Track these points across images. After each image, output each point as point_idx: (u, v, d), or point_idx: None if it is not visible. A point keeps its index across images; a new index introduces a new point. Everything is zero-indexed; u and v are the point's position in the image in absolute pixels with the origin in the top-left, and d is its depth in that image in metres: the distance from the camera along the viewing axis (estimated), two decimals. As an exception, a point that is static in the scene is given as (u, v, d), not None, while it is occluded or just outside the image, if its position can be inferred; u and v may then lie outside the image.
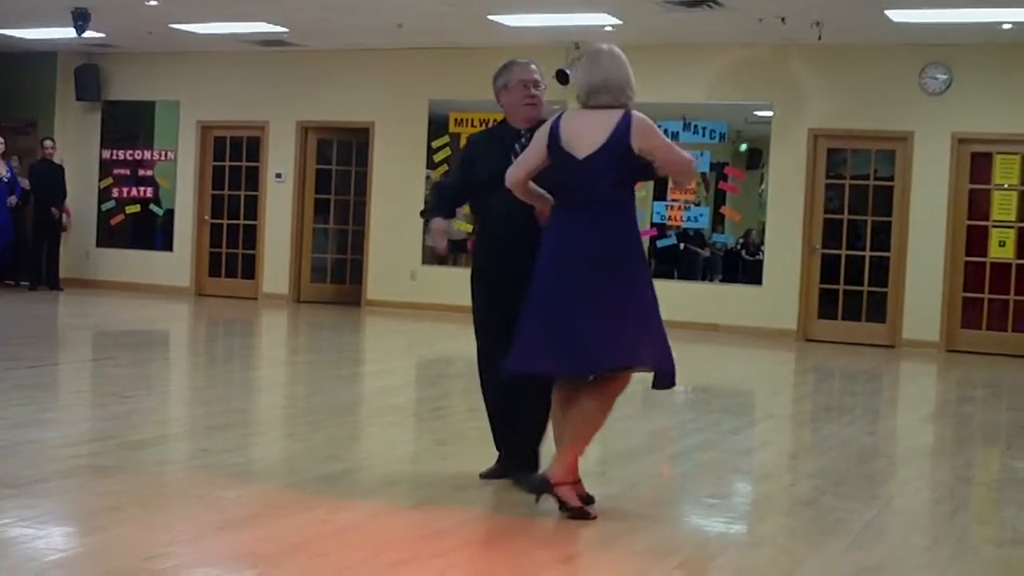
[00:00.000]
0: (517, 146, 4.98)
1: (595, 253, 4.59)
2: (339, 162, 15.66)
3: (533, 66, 5.14)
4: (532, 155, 4.72)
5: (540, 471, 4.85)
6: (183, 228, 16.04)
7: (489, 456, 5.24)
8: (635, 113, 4.64)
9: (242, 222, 15.87)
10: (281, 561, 3.93)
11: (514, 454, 5.15)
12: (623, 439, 6.45)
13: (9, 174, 15.13)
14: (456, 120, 14.40)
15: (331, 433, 6.50)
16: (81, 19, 12.87)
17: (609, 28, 12.51)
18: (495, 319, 4.99)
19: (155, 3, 12.53)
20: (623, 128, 4.60)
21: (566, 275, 4.57)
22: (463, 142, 14.31)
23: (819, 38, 12.03)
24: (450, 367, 10.38)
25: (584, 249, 4.59)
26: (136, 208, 16.33)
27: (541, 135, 4.73)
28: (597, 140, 4.60)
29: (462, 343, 12.09)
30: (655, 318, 4.67)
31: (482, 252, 5.19)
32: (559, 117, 4.72)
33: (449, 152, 14.47)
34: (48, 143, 15.55)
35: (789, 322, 13.11)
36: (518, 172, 4.73)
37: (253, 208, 15.77)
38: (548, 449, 4.92)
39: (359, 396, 8.29)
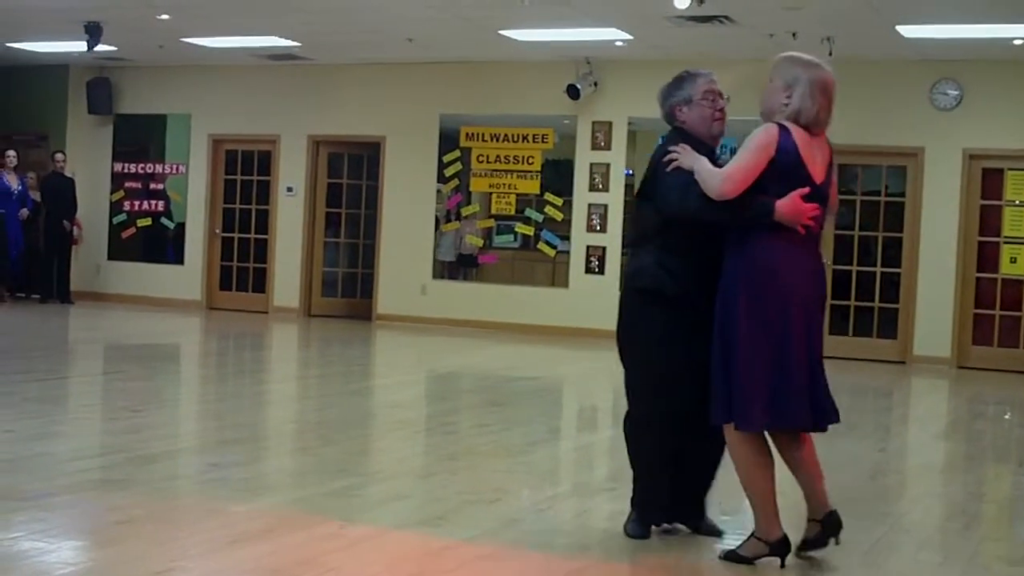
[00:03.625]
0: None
1: (823, 293, 4.33)
2: (350, 176, 15.68)
3: (714, 76, 4.59)
4: (754, 164, 4.14)
5: (828, 510, 4.37)
6: (194, 241, 16.06)
7: (499, 472, 5.21)
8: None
9: (253, 236, 15.89)
10: (291, 576, 3.93)
11: (684, 500, 4.69)
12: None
13: (21, 187, 15.19)
14: (467, 134, 14.40)
15: (341, 447, 6.50)
16: (93, 33, 12.91)
17: (620, 43, 12.52)
18: (687, 354, 4.37)
19: (166, 17, 12.58)
20: (831, 156, 4.34)
21: (808, 320, 4.21)
22: (474, 156, 14.36)
23: (830, 54, 11.99)
24: (460, 382, 10.38)
25: (821, 292, 4.30)
26: (147, 221, 16.37)
27: (765, 142, 4.17)
28: (825, 164, 4.26)
29: (472, 357, 12.20)
30: None
31: (680, 279, 4.40)
32: (784, 128, 4.20)
33: (460, 167, 14.48)
34: (59, 156, 15.60)
35: (800, 338, 13.04)
36: (738, 183, 4.13)
37: (264, 222, 15.79)
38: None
39: (369, 410, 8.29)
